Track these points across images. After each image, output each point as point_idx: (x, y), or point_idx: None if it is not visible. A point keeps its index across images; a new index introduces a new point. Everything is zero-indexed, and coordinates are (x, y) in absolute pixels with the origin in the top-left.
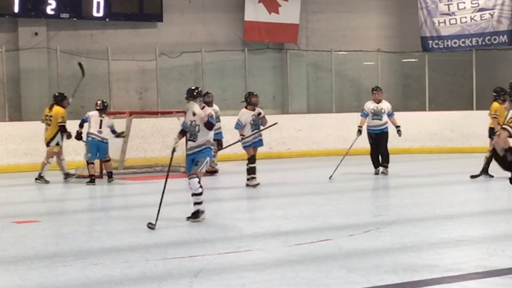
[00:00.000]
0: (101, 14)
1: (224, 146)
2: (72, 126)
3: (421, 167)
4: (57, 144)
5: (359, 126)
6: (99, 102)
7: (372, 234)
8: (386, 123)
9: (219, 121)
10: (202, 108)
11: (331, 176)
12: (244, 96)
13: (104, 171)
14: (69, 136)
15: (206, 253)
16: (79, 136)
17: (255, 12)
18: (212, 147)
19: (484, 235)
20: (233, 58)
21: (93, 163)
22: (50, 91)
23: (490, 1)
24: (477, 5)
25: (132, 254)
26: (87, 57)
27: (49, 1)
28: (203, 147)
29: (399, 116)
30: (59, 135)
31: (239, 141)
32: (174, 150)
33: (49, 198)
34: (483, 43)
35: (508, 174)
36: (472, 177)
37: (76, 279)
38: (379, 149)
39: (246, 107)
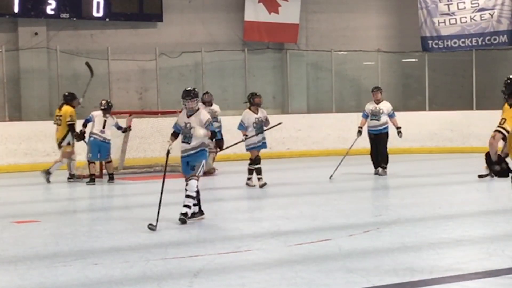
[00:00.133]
0: (101, 14)
1: (226, 146)
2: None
3: (421, 167)
4: (69, 143)
5: (359, 127)
6: (103, 102)
7: (372, 234)
8: (384, 123)
9: (216, 120)
10: (197, 110)
11: (331, 176)
12: (247, 97)
13: (105, 171)
14: (77, 136)
15: (206, 253)
16: (81, 136)
17: (255, 12)
18: (207, 148)
19: (484, 235)
20: (233, 58)
21: (94, 163)
22: (50, 91)
23: (490, 1)
24: (477, 5)
25: (132, 254)
26: (87, 57)
27: (49, 1)
28: (198, 149)
29: (399, 116)
30: (70, 134)
31: (242, 141)
32: (168, 152)
33: (49, 198)
34: (483, 43)
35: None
36: (480, 176)
37: (76, 279)
38: (378, 150)
39: (249, 108)
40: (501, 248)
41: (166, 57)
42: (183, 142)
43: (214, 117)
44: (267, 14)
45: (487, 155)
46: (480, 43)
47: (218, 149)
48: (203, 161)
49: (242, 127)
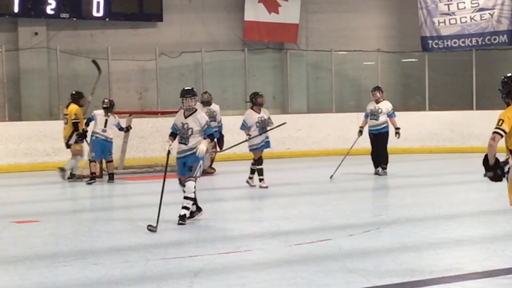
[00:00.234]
0: (101, 14)
1: (228, 146)
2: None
3: (421, 167)
4: (76, 142)
5: (360, 127)
6: (106, 100)
7: (372, 234)
8: (383, 123)
9: (215, 120)
10: (195, 110)
11: (332, 175)
12: (249, 96)
13: (105, 171)
14: (79, 135)
15: (206, 253)
16: (83, 135)
17: (255, 12)
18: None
19: (484, 235)
20: (233, 58)
21: (95, 162)
22: (50, 91)
23: (490, 1)
24: (477, 5)
25: (132, 254)
26: (87, 57)
27: (49, 1)
28: (195, 150)
29: (399, 116)
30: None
31: (246, 140)
32: (169, 152)
33: (49, 198)
34: (483, 43)
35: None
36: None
37: (76, 279)
38: (377, 149)
39: (252, 108)
40: (501, 248)
41: (166, 57)
42: (180, 142)
43: (212, 117)
44: (267, 14)
45: (485, 159)
46: (480, 43)
47: (217, 149)
48: (201, 162)
49: (244, 127)
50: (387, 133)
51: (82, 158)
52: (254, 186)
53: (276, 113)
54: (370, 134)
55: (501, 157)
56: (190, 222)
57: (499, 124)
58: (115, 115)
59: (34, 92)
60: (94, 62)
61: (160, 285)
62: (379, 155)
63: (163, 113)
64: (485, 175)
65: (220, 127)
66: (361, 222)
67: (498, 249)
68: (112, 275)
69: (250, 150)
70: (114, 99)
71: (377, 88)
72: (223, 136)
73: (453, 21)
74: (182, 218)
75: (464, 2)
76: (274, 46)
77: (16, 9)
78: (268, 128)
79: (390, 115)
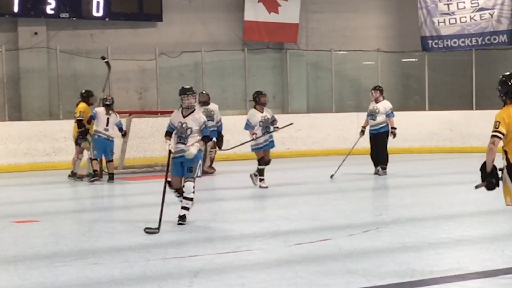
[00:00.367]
0: (100, 13)
1: (233, 146)
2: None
3: (421, 167)
4: (86, 139)
5: (362, 127)
6: (108, 97)
7: (372, 234)
8: (381, 123)
9: (212, 120)
10: (193, 110)
11: (332, 175)
12: (253, 96)
13: (104, 171)
14: (80, 134)
15: (206, 253)
16: (85, 134)
17: (255, 12)
18: (202, 148)
19: (484, 235)
20: (233, 58)
21: (97, 160)
22: (50, 91)
23: (490, 1)
24: (476, 4)
25: (132, 254)
26: (87, 57)
27: (48, 1)
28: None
29: (399, 116)
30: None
31: (253, 139)
32: (170, 152)
33: (49, 198)
34: (483, 42)
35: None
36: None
37: (76, 279)
38: (377, 149)
39: (255, 107)
40: (501, 248)
41: (166, 57)
42: (178, 142)
43: (209, 116)
44: (267, 14)
45: (483, 165)
46: (480, 42)
47: (216, 149)
48: (200, 161)
49: (249, 126)
50: (386, 133)
51: (82, 156)
52: (267, 187)
53: (276, 113)
54: (370, 134)
55: (498, 158)
56: (189, 222)
57: (496, 126)
58: (117, 114)
59: (34, 92)
60: (103, 58)
61: (160, 285)
62: (379, 155)
63: (163, 113)
64: (476, 187)
65: (219, 126)
66: (361, 222)
67: (498, 249)
68: (112, 275)
69: (253, 149)
70: (114, 99)
71: (375, 88)
72: (222, 136)
73: (453, 21)
74: (182, 218)
75: (464, 2)
76: (274, 46)
77: (16, 9)
78: (273, 127)
79: (388, 115)
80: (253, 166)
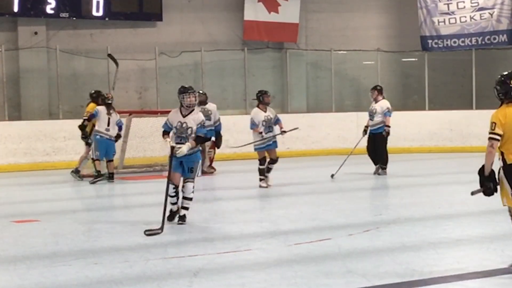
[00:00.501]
0: (100, 13)
1: (240, 145)
2: (74, 125)
3: (421, 167)
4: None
5: (365, 126)
6: (108, 96)
7: (371, 233)
8: (379, 123)
9: (209, 119)
10: (192, 110)
11: (333, 174)
12: (256, 95)
13: (105, 171)
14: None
15: (206, 253)
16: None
17: (254, 12)
18: (200, 148)
19: (484, 235)
20: (232, 57)
21: (99, 160)
22: (49, 91)
23: (490, 1)
24: (476, 4)
25: (132, 254)
26: (87, 57)
27: (48, 1)
28: (193, 151)
29: (399, 116)
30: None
31: (262, 138)
32: (173, 148)
33: (48, 197)
34: (483, 42)
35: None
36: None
37: (76, 279)
38: (375, 149)
39: (258, 106)
40: (501, 248)
41: (166, 57)
42: (178, 142)
43: (207, 116)
44: (266, 13)
45: (481, 170)
46: (480, 42)
47: (215, 149)
48: (200, 161)
49: (254, 125)
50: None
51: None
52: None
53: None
54: (369, 133)
55: (496, 160)
56: (189, 222)
57: (492, 128)
58: (117, 113)
59: (34, 91)
60: (110, 56)
61: (160, 285)
62: (378, 155)
63: (163, 113)
64: (472, 194)
65: (218, 126)
66: (361, 221)
67: (497, 248)
68: (112, 275)
69: (255, 149)
70: (114, 99)
71: (373, 88)
72: (221, 135)
73: (452, 21)
74: (182, 218)
75: (463, 2)
76: (273, 45)
77: (15, 9)
78: (281, 131)
79: (385, 114)
80: (253, 166)
